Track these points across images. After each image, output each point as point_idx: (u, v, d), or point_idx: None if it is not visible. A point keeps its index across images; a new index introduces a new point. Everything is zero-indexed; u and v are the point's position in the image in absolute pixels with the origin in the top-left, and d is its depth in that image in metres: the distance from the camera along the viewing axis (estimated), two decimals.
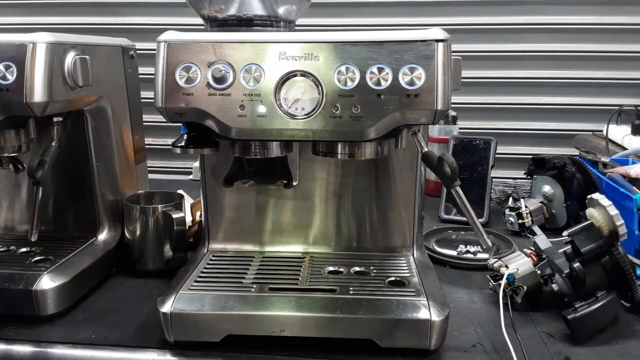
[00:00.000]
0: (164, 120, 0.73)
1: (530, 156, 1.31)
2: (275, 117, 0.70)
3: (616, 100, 1.90)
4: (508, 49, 1.99)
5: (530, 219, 1.14)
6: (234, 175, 0.86)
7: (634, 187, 1.05)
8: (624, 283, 0.80)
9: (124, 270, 1.00)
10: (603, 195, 0.83)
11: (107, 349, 0.76)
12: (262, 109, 0.70)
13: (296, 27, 0.94)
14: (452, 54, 0.70)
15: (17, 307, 0.82)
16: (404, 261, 0.90)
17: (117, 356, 0.76)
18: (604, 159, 1.26)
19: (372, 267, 0.87)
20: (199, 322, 0.74)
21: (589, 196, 0.86)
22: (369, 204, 0.94)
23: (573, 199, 1.18)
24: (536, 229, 0.93)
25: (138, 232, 0.98)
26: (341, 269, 0.87)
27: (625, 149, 1.56)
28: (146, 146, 1.15)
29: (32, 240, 0.85)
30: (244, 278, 0.83)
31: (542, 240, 0.88)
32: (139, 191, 1.07)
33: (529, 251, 0.91)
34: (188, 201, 1.20)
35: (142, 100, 1.10)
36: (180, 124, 0.77)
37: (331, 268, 0.88)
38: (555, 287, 0.85)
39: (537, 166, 1.26)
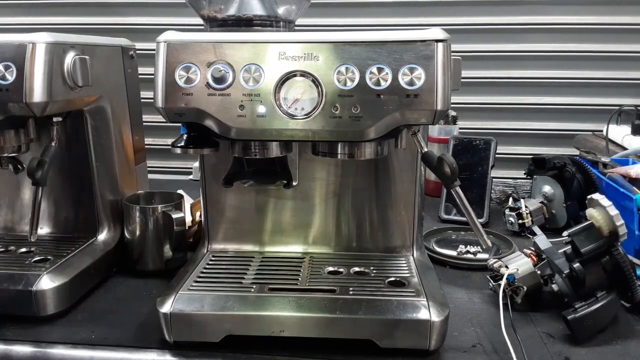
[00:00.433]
0: (164, 120, 0.73)
1: (530, 156, 1.30)
2: (275, 117, 0.70)
3: (616, 100, 1.89)
4: (508, 49, 1.98)
5: (530, 219, 1.14)
6: (233, 175, 0.86)
7: (634, 187, 1.05)
8: (624, 283, 0.80)
9: (123, 270, 1.00)
10: (603, 196, 0.83)
11: (106, 349, 0.76)
12: (261, 109, 0.70)
13: (296, 27, 0.94)
14: (452, 54, 0.70)
15: (17, 307, 0.82)
16: (404, 261, 0.90)
17: (116, 356, 0.76)
18: (604, 159, 1.26)
19: (372, 268, 0.87)
20: (198, 323, 0.74)
21: (589, 196, 0.86)
22: (368, 204, 0.94)
23: (573, 199, 1.18)
24: (536, 229, 0.93)
25: (138, 232, 0.98)
26: (341, 269, 0.87)
27: (625, 149, 1.56)
28: (146, 146, 1.15)
29: (32, 240, 0.85)
30: (243, 278, 0.83)
31: (542, 241, 0.88)
32: (139, 191, 1.07)
33: (529, 251, 0.91)
34: (188, 201, 1.20)
35: (142, 100, 1.10)
36: (179, 124, 0.77)
37: (331, 268, 0.88)
38: (555, 287, 0.85)
39: (537, 166, 1.26)
